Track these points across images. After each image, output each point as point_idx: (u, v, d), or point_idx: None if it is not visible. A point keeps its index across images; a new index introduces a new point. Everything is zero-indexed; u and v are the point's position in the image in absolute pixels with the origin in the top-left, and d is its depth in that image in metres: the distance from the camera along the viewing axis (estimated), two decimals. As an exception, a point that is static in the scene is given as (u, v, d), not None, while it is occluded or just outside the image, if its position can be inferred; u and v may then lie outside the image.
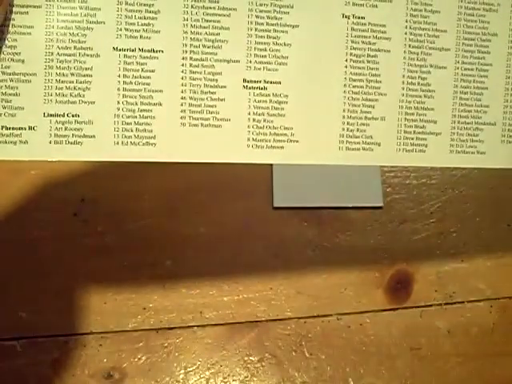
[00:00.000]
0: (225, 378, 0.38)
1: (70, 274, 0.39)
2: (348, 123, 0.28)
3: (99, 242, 0.40)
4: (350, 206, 0.42)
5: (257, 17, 0.27)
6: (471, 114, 0.30)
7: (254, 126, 0.27)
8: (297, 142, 0.28)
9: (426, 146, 0.29)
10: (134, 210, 0.41)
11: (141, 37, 0.26)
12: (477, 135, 0.30)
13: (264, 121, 0.27)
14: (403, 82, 0.29)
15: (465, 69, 0.29)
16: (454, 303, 0.41)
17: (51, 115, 0.26)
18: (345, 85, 0.28)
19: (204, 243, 0.41)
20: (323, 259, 0.41)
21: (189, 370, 0.38)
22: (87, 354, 0.38)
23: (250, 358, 0.39)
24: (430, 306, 0.41)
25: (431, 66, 0.29)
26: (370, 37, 0.28)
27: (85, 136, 0.26)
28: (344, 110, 0.28)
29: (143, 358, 0.38)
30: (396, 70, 0.29)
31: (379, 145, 0.29)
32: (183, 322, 0.39)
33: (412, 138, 0.29)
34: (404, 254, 0.42)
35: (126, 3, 0.26)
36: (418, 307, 0.41)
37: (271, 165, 0.43)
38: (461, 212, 0.43)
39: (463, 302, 0.41)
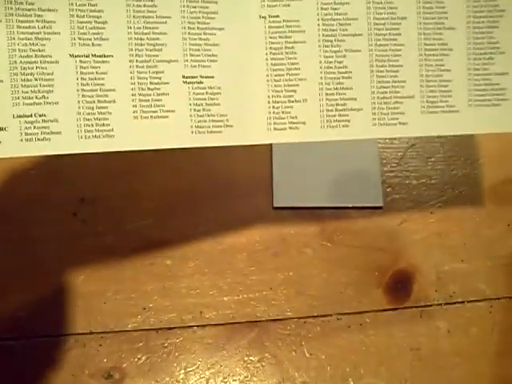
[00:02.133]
0: (225, 378, 0.38)
1: (69, 274, 0.39)
2: (273, 107, 0.32)
3: (99, 242, 0.40)
4: (350, 205, 0.42)
5: (189, 22, 0.31)
6: (389, 90, 0.33)
7: (195, 115, 0.31)
8: (232, 126, 0.32)
9: (349, 122, 0.32)
10: (134, 210, 0.41)
11: (92, 44, 0.30)
12: (397, 108, 0.33)
13: (203, 110, 0.31)
14: (321, 67, 0.32)
15: (379, 50, 0.32)
16: (454, 303, 0.41)
17: (20, 116, 0.28)
18: (267, 74, 0.32)
19: (204, 243, 0.41)
20: (323, 259, 0.41)
21: (189, 370, 0.38)
22: (87, 354, 0.38)
23: (250, 357, 0.39)
24: (430, 305, 0.41)
25: (346, 50, 0.32)
26: (285, 31, 0.32)
27: (52, 133, 0.29)
28: (268, 96, 0.32)
29: (143, 358, 0.38)
30: (313, 57, 0.32)
31: (304, 123, 0.32)
32: (183, 322, 0.39)
33: (334, 115, 0.32)
34: (404, 254, 0.42)
35: (77, 16, 0.29)
36: (418, 307, 0.41)
37: (271, 165, 0.43)
38: (461, 212, 0.43)
39: (463, 302, 0.41)
